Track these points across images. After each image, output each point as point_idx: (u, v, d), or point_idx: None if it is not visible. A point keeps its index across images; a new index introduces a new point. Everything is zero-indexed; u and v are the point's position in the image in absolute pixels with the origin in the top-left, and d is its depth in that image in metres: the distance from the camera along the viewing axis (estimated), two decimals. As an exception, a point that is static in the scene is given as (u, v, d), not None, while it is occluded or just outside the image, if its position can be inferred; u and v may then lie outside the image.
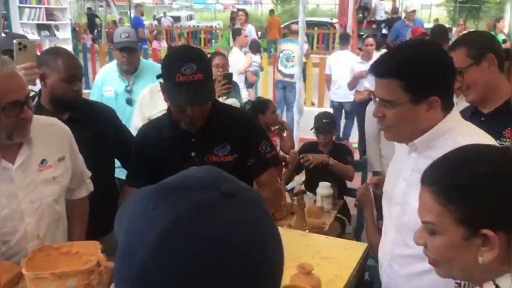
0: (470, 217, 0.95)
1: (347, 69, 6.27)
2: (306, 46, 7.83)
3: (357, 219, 3.77)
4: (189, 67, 1.76)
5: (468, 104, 2.07)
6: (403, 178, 1.57)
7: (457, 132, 1.44)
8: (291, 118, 6.32)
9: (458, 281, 1.08)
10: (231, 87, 3.26)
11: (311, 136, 4.80)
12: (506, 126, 1.89)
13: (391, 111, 1.47)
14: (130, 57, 3.22)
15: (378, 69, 1.50)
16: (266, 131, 2.60)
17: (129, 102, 3.25)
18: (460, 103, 2.15)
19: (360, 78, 6.07)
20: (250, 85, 7.01)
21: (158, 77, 1.89)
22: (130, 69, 3.27)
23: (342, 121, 6.89)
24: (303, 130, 5.38)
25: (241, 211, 0.60)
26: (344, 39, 7.06)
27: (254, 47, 7.46)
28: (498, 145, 1.69)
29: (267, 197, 1.60)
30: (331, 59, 6.95)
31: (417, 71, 1.42)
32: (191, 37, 18.30)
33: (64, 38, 9.56)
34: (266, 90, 8.39)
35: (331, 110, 6.55)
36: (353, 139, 6.50)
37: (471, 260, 0.96)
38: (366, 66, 6.08)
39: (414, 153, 1.54)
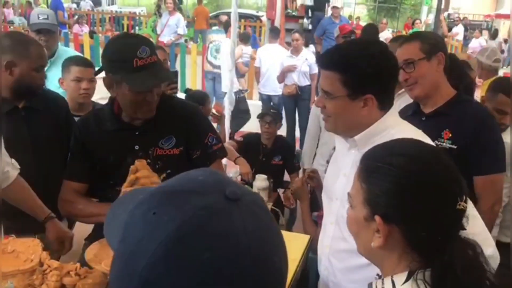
0: (372, 200, 1.01)
1: (276, 63, 6.34)
2: (235, 38, 7.86)
3: (290, 211, 3.85)
4: (144, 51, 1.73)
5: (409, 103, 2.16)
6: (343, 173, 1.60)
7: (395, 130, 1.48)
8: (221, 110, 6.31)
9: (379, 273, 1.12)
10: (177, 87, 3.18)
11: (242, 128, 4.81)
12: (445, 127, 2.00)
13: (330, 102, 1.51)
14: (48, 41, 2.97)
15: (322, 60, 1.56)
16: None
17: None
18: (397, 101, 2.25)
19: (288, 72, 6.17)
20: (240, 75, 6.97)
21: (100, 70, 1.80)
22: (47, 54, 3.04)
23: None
24: (234, 122, 5.39)
25: (247, 216, 0.56)
26: (274, 32, 7.13)
27: (245, 38, 7.38)
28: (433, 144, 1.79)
29: None
30: (261, 51, 7.01)
31: (356, 68, 1.46)
32: (113, 23, 17.57)
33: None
34: (194, 81, 8.28)
35: (260, 103, 6.63)
36: (281, 132, 6.61)
37: (368, 241, 1.02)
38: (295, 61, 6.21)
39: (354, 150, 1.57)
